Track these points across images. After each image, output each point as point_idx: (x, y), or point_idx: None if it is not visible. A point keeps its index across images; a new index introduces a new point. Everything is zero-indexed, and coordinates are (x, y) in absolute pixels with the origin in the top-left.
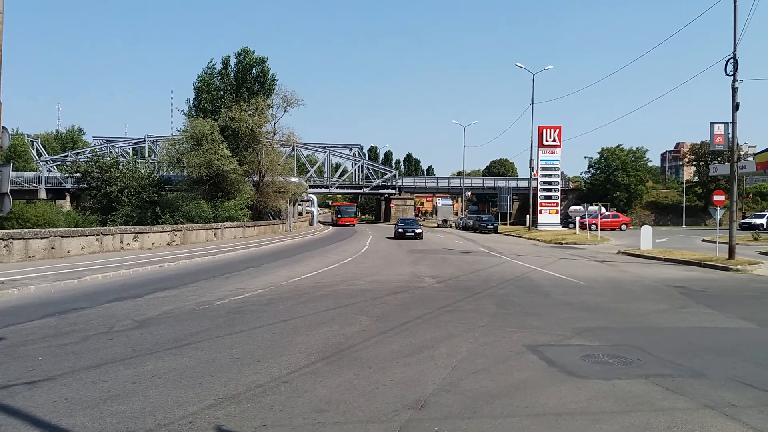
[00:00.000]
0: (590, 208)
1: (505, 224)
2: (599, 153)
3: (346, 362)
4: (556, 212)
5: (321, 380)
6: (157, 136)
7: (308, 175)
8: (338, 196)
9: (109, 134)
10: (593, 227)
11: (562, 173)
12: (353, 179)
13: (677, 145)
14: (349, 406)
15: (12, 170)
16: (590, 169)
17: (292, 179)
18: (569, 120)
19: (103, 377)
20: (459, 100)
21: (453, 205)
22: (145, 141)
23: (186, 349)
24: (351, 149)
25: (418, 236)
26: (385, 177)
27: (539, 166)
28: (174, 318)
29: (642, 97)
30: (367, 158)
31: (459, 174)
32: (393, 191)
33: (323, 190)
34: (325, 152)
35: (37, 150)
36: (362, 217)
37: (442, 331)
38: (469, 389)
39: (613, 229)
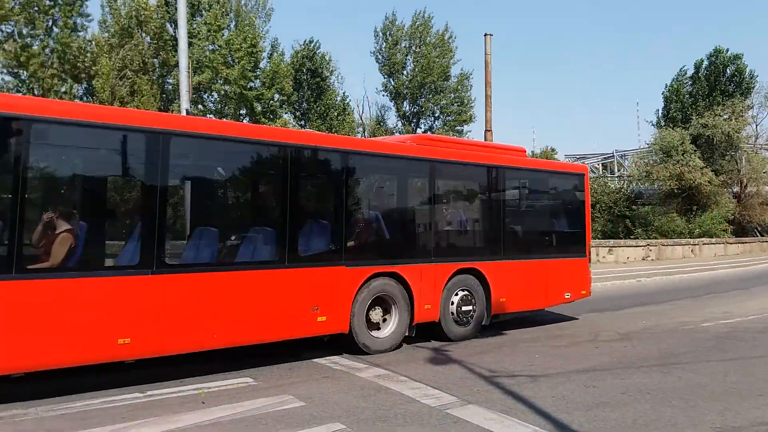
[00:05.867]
0: None
1: None
2: None
3: None
4: None
5: None
6: (625, 150)
7: None
8: None
9: (578, 152)
10: None
11: None
12: None
13: None
14: None
15: None
16: None
17: None
18: None
19: (593, 383)
20: None
21: None
22: (613, 156)
23: (673, 369)
24: None
25: None
26: None
27: None
28: (655, 335)
29: None
30: None
31: None
32: None
33: None
34: None
35: None
36: None
37: None
38: None
39: None
